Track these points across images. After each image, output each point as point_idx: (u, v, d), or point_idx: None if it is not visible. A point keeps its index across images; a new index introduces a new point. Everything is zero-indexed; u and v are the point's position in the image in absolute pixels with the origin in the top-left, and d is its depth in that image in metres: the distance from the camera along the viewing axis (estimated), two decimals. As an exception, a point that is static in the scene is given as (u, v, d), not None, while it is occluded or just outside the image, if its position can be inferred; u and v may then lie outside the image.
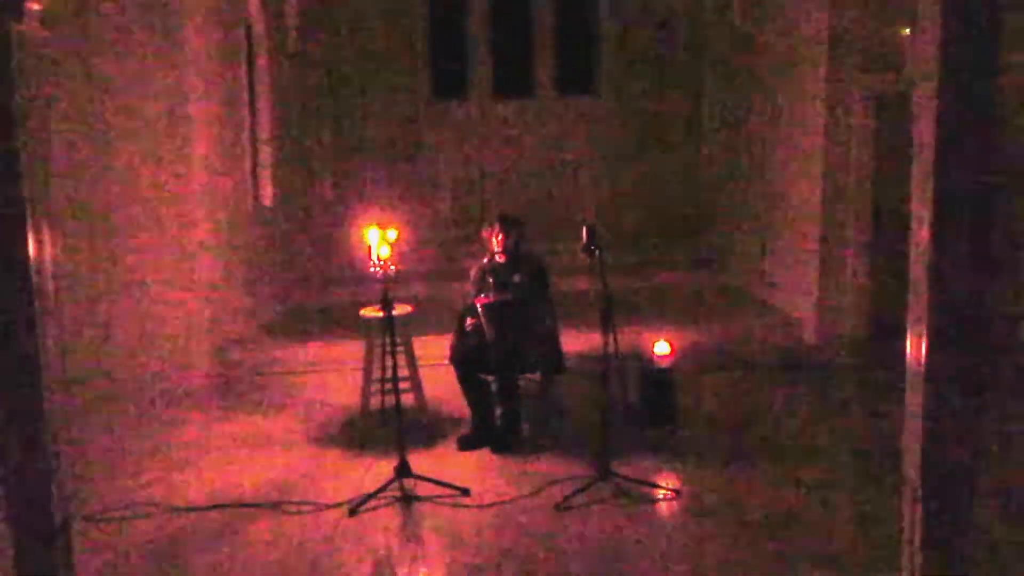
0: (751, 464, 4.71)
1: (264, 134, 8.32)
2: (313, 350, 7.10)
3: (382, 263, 5.11)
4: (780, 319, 7.33)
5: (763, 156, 8.03)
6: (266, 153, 8.36)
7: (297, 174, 9.22)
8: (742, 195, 8.73)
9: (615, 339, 4.32)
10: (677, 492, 4.32)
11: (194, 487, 4.64)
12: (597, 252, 4.27)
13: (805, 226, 6.98)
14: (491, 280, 5.30)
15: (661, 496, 4.34)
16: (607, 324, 4.30)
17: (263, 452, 5.17)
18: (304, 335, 7.48)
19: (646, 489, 4.39)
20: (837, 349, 6.64)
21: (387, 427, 5.22)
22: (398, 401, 4.59)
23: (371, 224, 5.04)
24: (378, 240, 5.10)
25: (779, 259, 7.67)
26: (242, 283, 7.51)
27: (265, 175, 8.38)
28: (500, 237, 5.30)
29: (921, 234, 3.02)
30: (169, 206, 6.41)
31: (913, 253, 3.13)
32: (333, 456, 5.07)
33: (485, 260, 5.40)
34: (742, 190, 8.71)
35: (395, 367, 4.64)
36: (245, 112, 7.81)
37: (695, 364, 6.24)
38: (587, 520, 4.08)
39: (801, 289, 7.07)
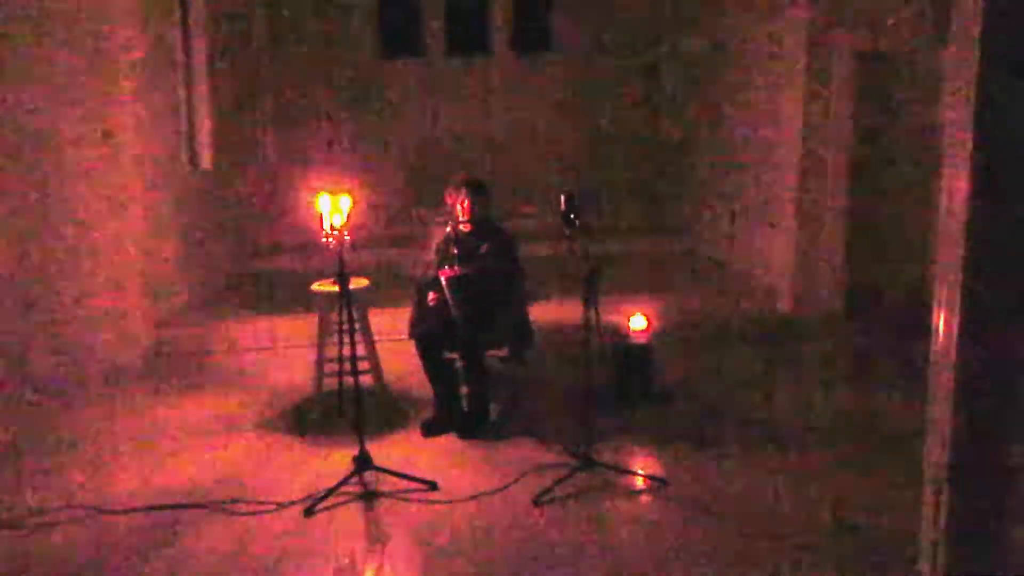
0: (738, 447, 4.40)
1: (201, 94, 7.69)
2: (260, 325, 6.59)
3: (335, 233, 4.68)
4: (753, 288, 7.05)
5: (734, 114, 7.69)
6: (203, 114, 7.74)
7: (238, 136, 8.61)
8: (711, 156, 8.40)
9: (597, 314, 3.95)
10: (663, 481, 3.98)
11: (129, 484, 4.16)
12: (577, 221, 3.87)
13: (780, 190, 6.68)
14: (456, 251, 4.87)
15: (646, 486, 4.00)
16: (590, 298, 3.92)
17: (206, 442, 4.70)
18: (250, 309, 6.96)
19: (629, 478, 4.05)
20: (814, 320, 6.39)
21: (343, 412, 4.81)
22: (358, 387, 4.16)
23: (322, 190, 4.60)
24: (330, 208, 4.66)
25: (751, 225, 7.37)
26: (181, 253, 6.95)
27: (203, 137, 7.77)
28: (466, 204, 4.86)
29: (956, 193, 2.70)
30: (96, 171, 5.82)
31: (943, 217, 2.81)
32: (285, 445, 4.62)
33: (448, 229, 4.96)
34: (711, 150, 8.38)
35: (353, 349, 4.20)
36: (179, 71, 7.18)
37: (669, 337, 5.91)
38: (568, 515, 3.72)
39: (775, 257, 6.78)
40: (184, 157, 7.26)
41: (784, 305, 6.56)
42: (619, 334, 5.10)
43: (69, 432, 4.88)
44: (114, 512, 3.85)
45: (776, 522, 3.64)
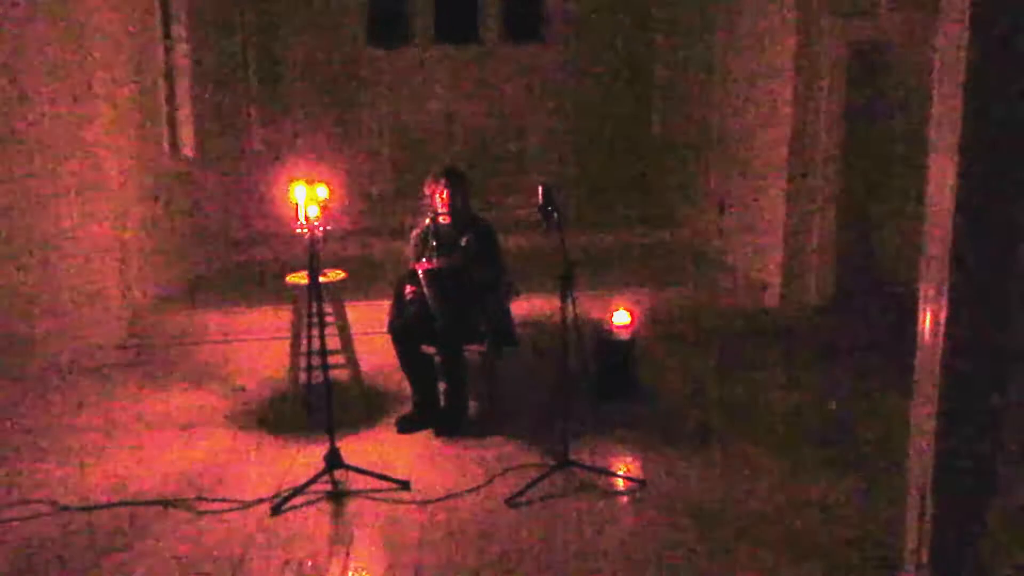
0: (721, 447, 4.30)
1: (183, 79, 7.53)
2: (240, 317, 6.45)
3: (310, 224, 4.57)
4: (741, 281, 6.94)
5: (724, 106, 7.57)
6: (186, 100, 7.58)
7: (224, 123, 8.43)
8: (700, 147, 8.28)
9: (574, 309, 3.84)
10: (642, 483, 3.88)
11: (94, 480, 4.04)
12: (555, 214, 3.76)
13: (769, 183, 6.56)
14: (434, 243, 4.75)
15: (624, 487, 3.90)
16: (566, 293, 3.81)
17: (177, 436, 4.59)
18: (230, 300, 6.81)
19: (607, 479, 3.94)
20: (803, 315, 6.27)
21: (312, 408, 4.70)
22: (328, 381, 4.04)
23: (298, 180, 4.50)
24: (305, 198, 4.55)
25: (740, 217, 7.26)
26: (160, 242, 6.81)
27: (186, 123, 7.61)
28: (445, 195, 4.73)
29: (943, 182, 2.58)
30: (70, 157, 5.68)
31: (929, 209, 2.70)
32: (256, 441, 4.51)
33: (427, 220, 4.84)
34: (700, 141, 8.26)
35: (323, 343, 4.07)
36: (160, 54, 7.01)
37: (653, 331, 5.81)
38: (542, 517, 3.62)
39: (764, 250, 6.67)
40: (165, 144, 7.11)
41: (771, 300, 6.45)
42: (602, 329, 4.99)
43: (35, 424, 4.76)
44: (77, 508, 3.75)
45: (757, 525, 3.54)
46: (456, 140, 9.81)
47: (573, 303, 3.81)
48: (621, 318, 4.92)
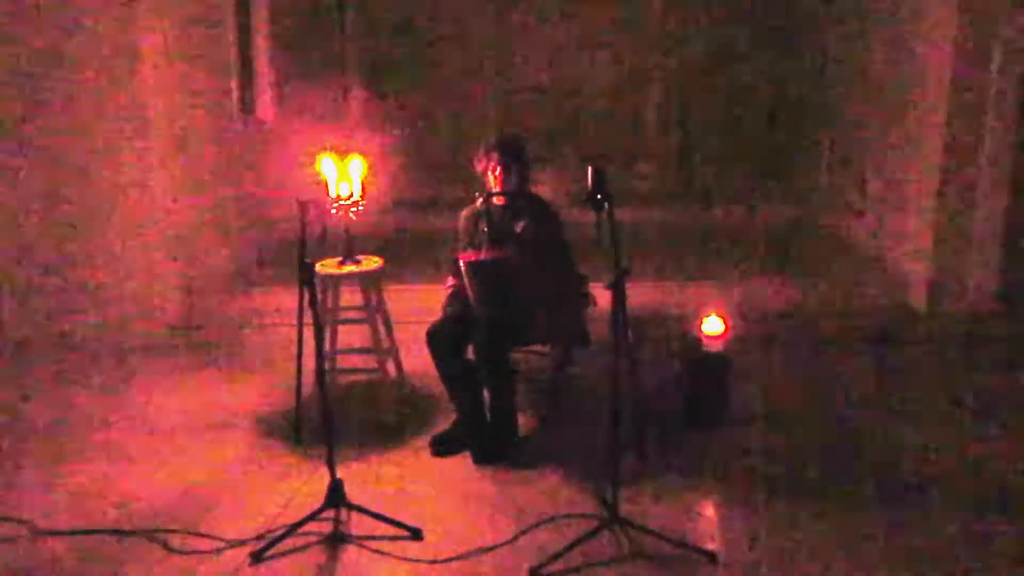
0: (831, 504, 3.32)
1: (261, 36, 7.00)
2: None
3: (343, 203, 3.96)
4: (881, 277, 5.77)
5: (869, 59, 6.33)
6: (263, 58, 7.06)
7: (305, 84, 7.89)
8: (839, 112, 7.05)
9: (627, 325, 2.98)
10: (712, 556, 2.98)
11: (85, 497, 3.54)
12: (606, 203, 2.88)
13: (920, 156, 5.35)
14: (484, 228, 3.97)
15: (688, 560, 3.00)
16: (619, 306, 2.95)
17: (194, 442, 4.05)
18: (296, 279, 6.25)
19: (667, 546, 3.06)
20: (956, 320, 5.08)
21: (354, 411, 4.17)
22: (325, 398, 3.32)
23: (325, 151, 3.89)
24: (337, 173, 3.93)
25: (884, 196, 6.06)
26: (230, 214, 6.34)
27: (263, 85, 7.11)
28: (498, 172, 3.93)
29: None
30: (108, 121, 5.23)
31: None
32: (272, 455, 3.89)
33: (479, 202, 4.05)
34: (839, 103, 7.03)
35: (320, 354, 3.37)
36: (230, 8, 6.47)
37: (760, 336, 4.81)
38: (575, 598, 2.81)
39: (910, 240, 5.48)
40: (235, 106, 6.61)
41: (916, 299, 5.27)
42: (689, 339, 4.08)
43: (46, 419, 4.35)
44: (50, 533, 3.25)
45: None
46: (558, 101, 8.93)
47: (625, 315, 2.94)
48: (712, 326, 3.97)
